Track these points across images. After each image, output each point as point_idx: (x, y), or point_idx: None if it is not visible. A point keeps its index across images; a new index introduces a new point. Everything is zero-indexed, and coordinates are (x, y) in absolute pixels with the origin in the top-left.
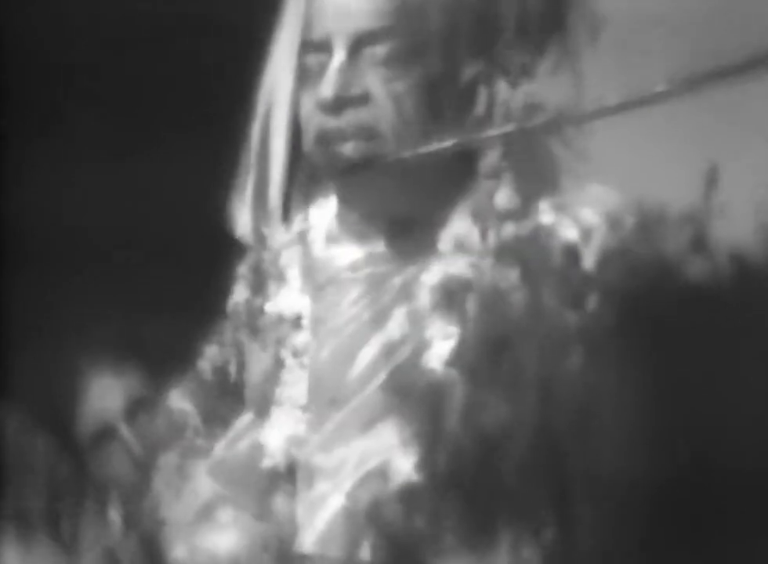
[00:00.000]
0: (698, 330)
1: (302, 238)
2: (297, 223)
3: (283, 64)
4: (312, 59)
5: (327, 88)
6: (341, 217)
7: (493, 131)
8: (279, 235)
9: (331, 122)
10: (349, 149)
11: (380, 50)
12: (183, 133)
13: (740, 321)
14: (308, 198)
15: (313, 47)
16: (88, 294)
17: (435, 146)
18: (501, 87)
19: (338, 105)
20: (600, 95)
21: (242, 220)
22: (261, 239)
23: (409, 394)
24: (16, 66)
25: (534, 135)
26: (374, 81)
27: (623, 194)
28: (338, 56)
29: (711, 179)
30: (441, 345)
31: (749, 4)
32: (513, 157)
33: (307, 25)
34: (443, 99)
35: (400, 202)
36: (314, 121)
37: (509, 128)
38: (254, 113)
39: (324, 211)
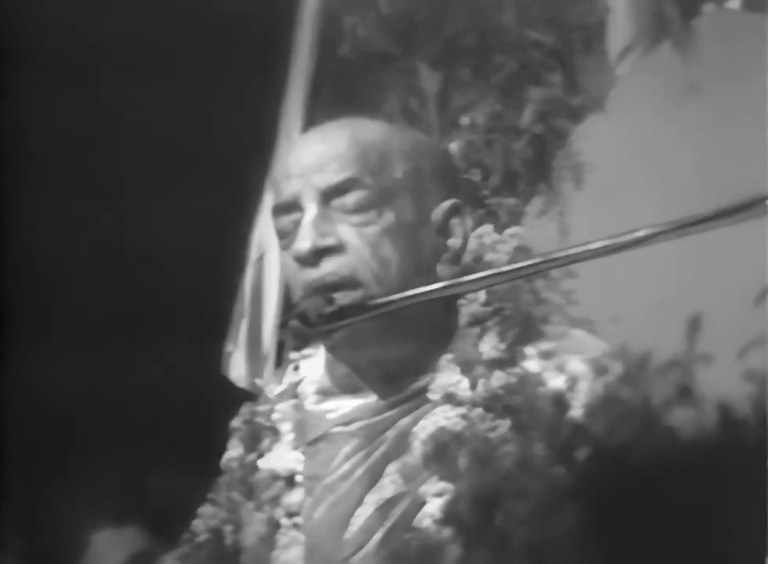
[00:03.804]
0: (686, 486)
1: (295, 390)
2: (289, 374)
3: None
4: (285, 221)
5: (302, 242)
6: (330, 369)
7: (479, 275)
8: (272, 386)
9: (312, 274)
10: (335, 298)
11: (349, 200)
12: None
13: (729, 473)
14: (298, 348)
15: (284, 209)
16: (88, 452)
17: (421, 290)
18: (488, 231)
19: (315, 256)
20: (585, 239)
21: (236, 364)
22: (254, 386)
23: (404, 557)
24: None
25: (520, 279)
26: (346, 229)
27: (608, 339)
28: (310, 212)
29: (695, 327)
30: (434, 502)
31: (731, 155)
32: (497, 303)
33: (276, 191)
34: (420, 239)
35: (387, 350)
36: (298, 276)
37: (496, 271)
38: (246, 259)
39: (315, 362)
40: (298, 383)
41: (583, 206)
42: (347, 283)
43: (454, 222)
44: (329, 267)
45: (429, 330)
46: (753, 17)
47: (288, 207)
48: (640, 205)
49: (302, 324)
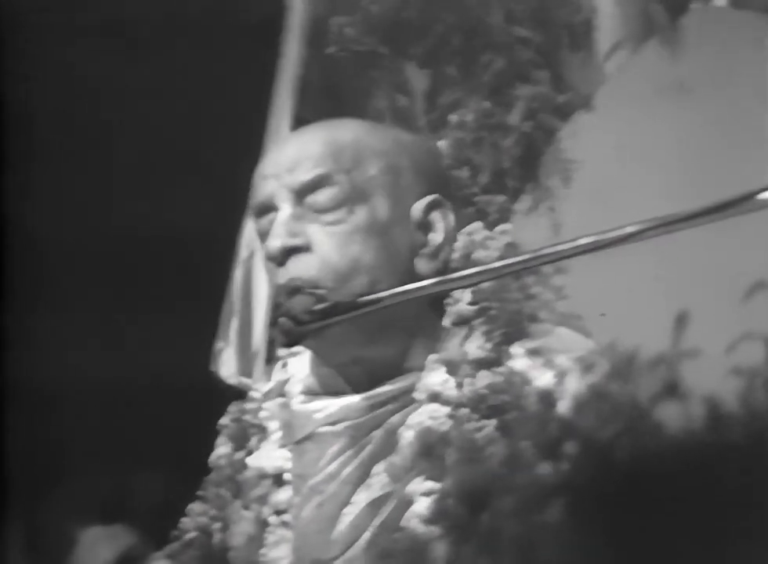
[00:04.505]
0: (674, 481)
1: (282, 389)
2: (277, 372)
3: None
4: (263, 221)
5: (273, 240)
6: (314, 369)
7: (470, 272)
8: (260, 384)
9: (282, 274)
10: (299, 301)
11: (320, 197)
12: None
13: (716, 469)
14: (288, 346)
15: (261, 210)
16: (78, 450)
17: (411, 287)
18: (478, 228)
19: (283, 256)
20: (575, 235)
21: (226, 362)
22: (244, 384)
23: (391, 556)
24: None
25: (510, 275)
26: (315, 228)
27: (596, 335)
28: (284, 211)
29: (682, 323)
30: (422, 501)
31: (719, 152)
32: (483, 302)
33: (253, 192)
34: (396, 237)
35: (370, 349)
36: (272, 276)
37: (486, 267)
38: (236, 258)
39: (303, 360)
40: (285, 381)
41: (572, 203)
42: (309, 285)
43: (435, 216)
44: (295, 268)
45: (415, 329)
46: (741, 14)
47: (265, 208)
48: (629, 202)
49: (291, 322)
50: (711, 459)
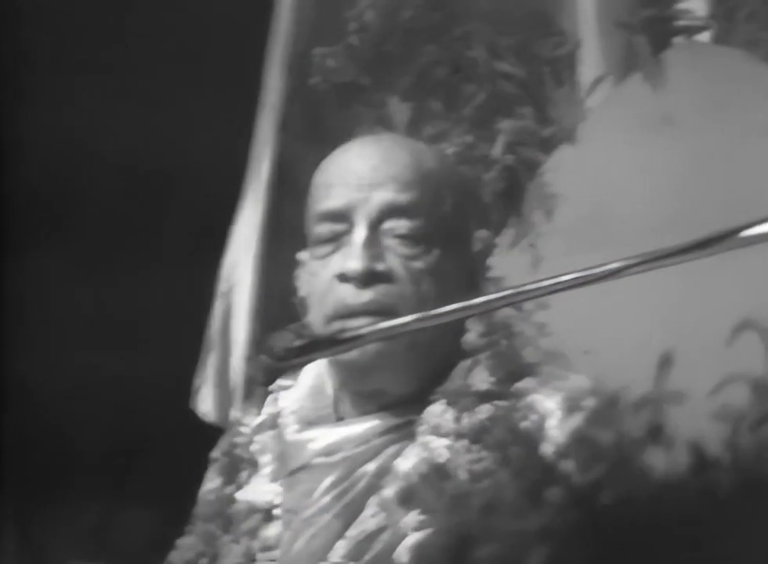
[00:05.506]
0: (658, 527)
1: (274, 421)
2: (268, 405)
3: (244, 246)
4: (325, 228)
5: (354, 261)
6: (316, 396)
7: (450, 308)
8: (250, 418)
9: (355, 297)
10: (364, 323)
11: (402, 226)
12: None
13: (701, 515)
14: (267, 383)
15: (329, 217)
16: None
17: (394, 323)
18: None
19: (366, 280)
20: (557, 270)
21: (204, 399)
22: (225, 418)
23: None
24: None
25: (493, 309)
26: (395, 259)
27: (579, 375)
28: (361, 229)
29: (666, 363)
30: (415, 536)
31: (704, 187)
32: (493, 336)
33: (324, 195)
34: (453, 277)
35: (396, 381)
36: (334, 294)
37: (466, 304)
38: (215, 292)
39: (294, 392)
40: (277, 414)
41: (555, 237)
42: (385, 312)
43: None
44: (376, 294)
45: (437, 363)
46: (723, 50)
47: (335, 216)
48: (612, 236)
49: (270, 359)
50: (696, 505)
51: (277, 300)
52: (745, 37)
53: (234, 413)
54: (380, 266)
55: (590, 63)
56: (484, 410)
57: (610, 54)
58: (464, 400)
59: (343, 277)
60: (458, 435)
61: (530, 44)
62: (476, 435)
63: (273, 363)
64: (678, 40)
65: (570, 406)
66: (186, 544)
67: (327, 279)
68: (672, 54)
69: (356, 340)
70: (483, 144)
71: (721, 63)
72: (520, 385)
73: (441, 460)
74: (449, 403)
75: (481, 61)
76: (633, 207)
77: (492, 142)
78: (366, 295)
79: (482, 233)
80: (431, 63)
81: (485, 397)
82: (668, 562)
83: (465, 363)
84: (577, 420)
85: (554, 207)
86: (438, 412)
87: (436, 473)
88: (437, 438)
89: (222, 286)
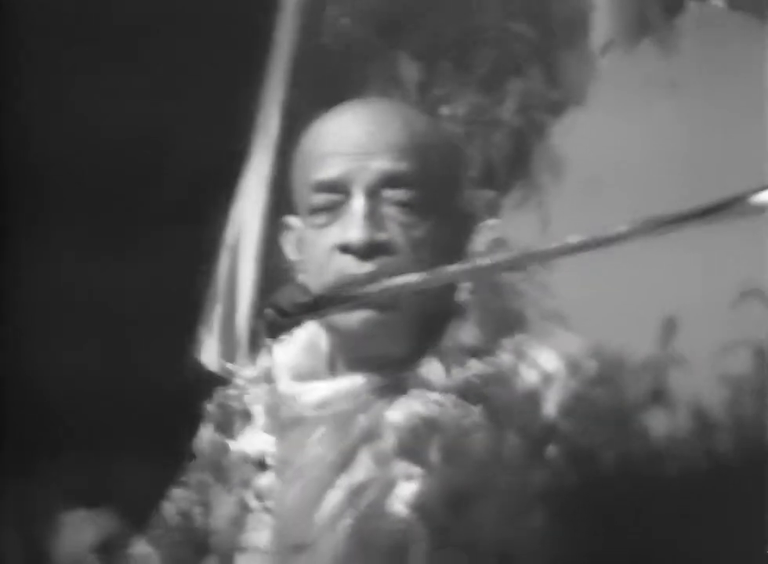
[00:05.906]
0: (658, 488)
1: (269, 374)
2: (262, 359)
3: (252, 199)
4: (322, 198)
5: (355, 231)
6: (313, 351)
7: (458, 267)
8: (245, 371)
9: (358, 267)
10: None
11: (399, 195)
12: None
13: (702, 476)
14: (272, 336)
15: (326, 187)
16: (62, 436)
17: (399, 282)
18: None
19: (368, 251)
20: (563, 233)
21: (208, 349)
22: (227, 372)
23: (373, 543)
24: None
25: (499, 271)
26: (395, 228)
27: (583, 337)
28: (359, 199)
29: (669, 329)
30: (405, 486)
31: (711, 152)
32: (481, 292)
33: (319, 165)
34: (449, 242)
35: (396, 346)
36: (334, 264)
37: (474, 263)
38: (221, 245)
39: (290, 346)
40: (272, 367)
41: (562, 199)
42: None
43: (478, 225)
44: (378, 265)
45: (433, 324)
46: (736, 15)
47: (331, 186)
48: (619, 200)
49: (276, 314)
50: (697, 467)
51: (284, 255)
52: (759, 4)
53: (230, 366)
54: (381, 236)
55: (601, 26)
56: (474, 366)
57: (621, 17)
58: (454, 355)
59: (345, 248)
60: (447, 390)
61: (543, 5)
62: (465, 391)
63: (278, 319)
64: (692, 3)
65: (575, 367)
66: (180, 494)
67: (325, 248)
68: (685, 18)
69: (362, 298)
70: (493, 105)
71: (734, 28)
72: (512, 341)
73: (432, 414)
74: (439, 359)
75: (493, 21)
76: (640, 172)
77: (502, 103)
78: (368, 266)
79: (487, 194)
80: (442, 23)
81: (473, 353)
82: (667, 522)
83: (457, 321)
84: (581, 380)
85: (561, 168)
86: (429, 368)
87: (427, 426)
88: (428, 392)
89: (228, 239)
